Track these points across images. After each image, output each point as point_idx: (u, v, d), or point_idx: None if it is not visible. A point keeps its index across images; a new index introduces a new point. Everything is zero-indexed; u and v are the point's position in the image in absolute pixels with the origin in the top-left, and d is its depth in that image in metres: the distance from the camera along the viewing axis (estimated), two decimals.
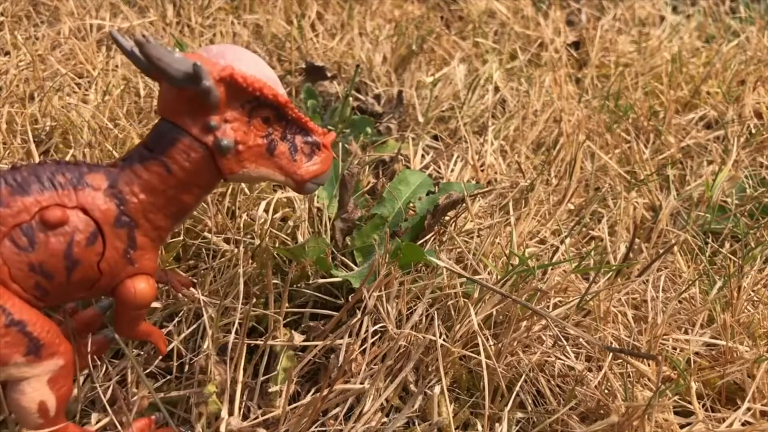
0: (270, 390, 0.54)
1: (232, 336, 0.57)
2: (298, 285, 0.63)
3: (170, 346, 0.58)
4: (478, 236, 0.68)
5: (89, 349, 0.51)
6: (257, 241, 0.65)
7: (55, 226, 0.41)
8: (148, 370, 0.57)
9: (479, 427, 0.54)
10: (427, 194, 0.72)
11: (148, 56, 0.41)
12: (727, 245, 0.75)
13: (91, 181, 0.43)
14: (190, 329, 0.59)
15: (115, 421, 0.51)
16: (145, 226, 0.45)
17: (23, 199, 0.41)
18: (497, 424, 0.54)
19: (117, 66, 0.92)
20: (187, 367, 0.58)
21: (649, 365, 0.58)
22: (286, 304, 0.59)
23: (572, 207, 0.79)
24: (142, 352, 0.58)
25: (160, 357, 0.57)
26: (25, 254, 0.41)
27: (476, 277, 0.60)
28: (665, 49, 1.16)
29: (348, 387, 0.54)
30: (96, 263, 0.43)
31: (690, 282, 0.68)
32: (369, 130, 0.87)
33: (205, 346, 0.56)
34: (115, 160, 0.45)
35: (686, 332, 0.64)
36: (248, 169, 0.46)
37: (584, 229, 0.75)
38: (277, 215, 0.70)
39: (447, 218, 0.71)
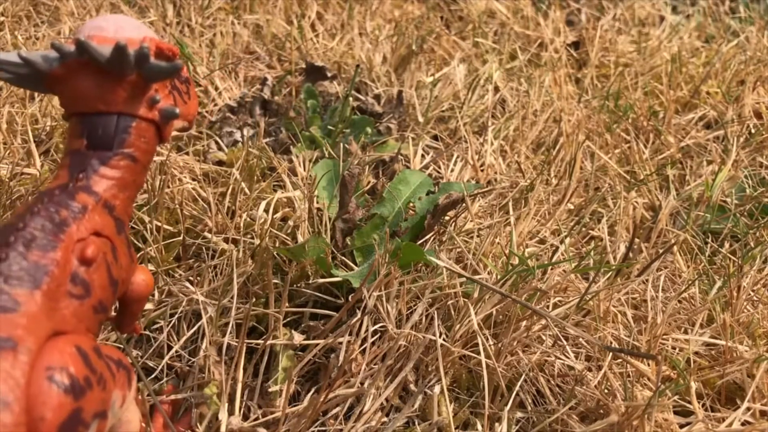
0: (270, 390, 0.54)
1: (232, 336, 0.57)
2: (298, 285, 0.63)
3: (171, 352, 0.58)
4: (477, 236, 0.69)
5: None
6: (257, 241, 0.65)
7: (94, 260, 0.40)
8: (150, 372, 0.57)
9: (479, 427, 0.55)
10: (427, 194, 0.72)
11: (121, 53, 0.41)
12: (727, 245, 0.75)
13: (83, 204, 0.41)
14: (191, 330, 0.59)
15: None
16: (127, 221, 0.45)
17: (57, 253, 0.38)
18: (497, 424, 0.54)
19: None
20: (187, 367, 0.58)
21: (648, 365, 0.58)
22: (286, 304, 0.59)
23: (572, 207, 0.79)
24: (139, 352, 0.58)
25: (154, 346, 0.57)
26: (87, 300, 0.39)
27: (476, 277, 0.60)
28: (665, 49, 1.16)
29: (347, 392, 0.54)
30: (122, 276, 0.43)
31: (690, 282, 0.68)
32: (369, 130, 0.87)
33: (204, 346, 0.56)
34: (67, 177, 0.43)
35: (686, 332, 0.64)
36: (172, 128, 0.47)
37: (584, 229, 0.75)
38: (277, 215, 0.70)
39: (447, 218, 0.71)
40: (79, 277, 0.39)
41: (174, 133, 0.50)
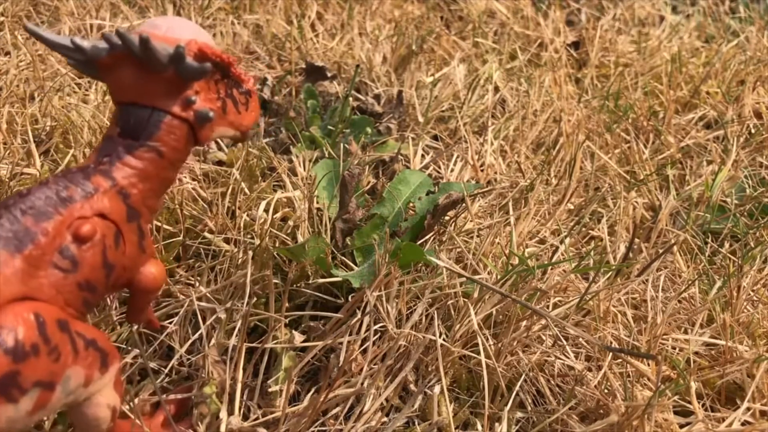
0: (270, 390, 0.54)
1: (233, 336, 0.57)
2: (298, 285, 0.63)
3: (177, 355, 0.58)
4: (477, 236, 0.69)
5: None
6: (257, 241, 0.65)
7: (88, 239, 0.41)
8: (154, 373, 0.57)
9: (479, 427, 0.55)
10: (427, 194, 0.72)
11: (145, 46, 0.42)
12: (727, 245, 0.75)
13: (95, 186, 0.43)
14: (197, 332, 0.59)
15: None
16: (145, 213, 0.46)
17: (50, 224, 0.40)
18: (497, 424, 0.54)
19: None
20: (186, 367, 0.58)
21: (648, 365, 0.58)
22: (286, 304, 0.59)
23: (572, 207, 0.79)
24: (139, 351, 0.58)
25: (159, 344, 0.57)
26: (72, 275, 0.40)
27: (476, 277, 0.60)
28: (665, 49, 1.16)
29: (347, 392, 0.54)
30: (122, 262, 0.44)
31: (689, 282, 0.68)
32: (369, 130, 0.87)
33: (207, 347, 0.56)
34: (93, 159, 0.45)
35: (686, 332, 0.64)
36: (214, 133, 0.48)
37: (584, 229, 0.75)
38: (277, 215, 0.70)
39: (447, 218, 0.71)
40: (68, 251, 0.40)
41: (224, 140, 0.50)
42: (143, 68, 0.44)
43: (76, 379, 0.39)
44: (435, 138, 0.93)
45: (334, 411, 0.54)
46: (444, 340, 0.57)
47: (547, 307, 0.62)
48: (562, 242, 0.68)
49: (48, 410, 0.38)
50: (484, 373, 0.54)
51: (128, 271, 0.45)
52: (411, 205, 0.72)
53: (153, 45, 0.42)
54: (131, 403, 0.52)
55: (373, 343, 0.57)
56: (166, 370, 0.57)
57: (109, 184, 0.43)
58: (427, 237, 0.68)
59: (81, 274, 0.41)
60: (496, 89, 1.01)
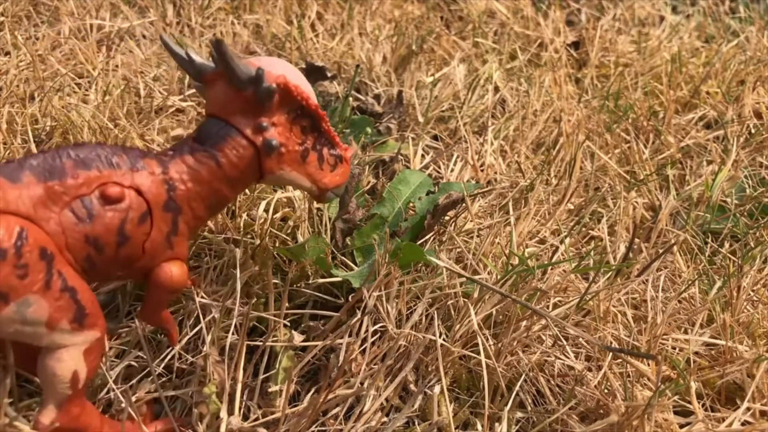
0: (270, 390, 0.54)
1: (233, 336, 0.57)
2: (298, 285, 0.63)
3: (172, 353, 0.58)
4: (477, 236, 0.69)
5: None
6: (257, 241, 0.66)
7: (113, 201, 0.43)
8: (147, 369, 0.57)
9: (479, 427, 0.55)
10: (427, 194, 0.72)
11: (225, 58, 0.45)
12: (727, 245, 0.75)
13: (146, 165, 0.45)
14: (194, 330, 0.59)
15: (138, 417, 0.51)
16: (187, 214, 0.47)
17: (86, 173, 0.43)
18: (497, 424, 0.54)
19: (117, 66, 0.92)
20: (186, 367, 0.58)
21: (648, 365, 0.58)
22: (286, 304, 0.59)
23: (572, 207, 0.79)
24: (141, 354, 0.58)
25: (168, 351, 0.57)
26: (83, 225, 0.42)
27: (476, 277, 0.60)
28: (665, 49, 1.16)
29: (347, 392, 0.54)
30: (142, 242, 0.45)
31: (689, 282, 0.68)
32: (369, 130, 0.87)
33: (206, 347, 0.56)
34: (165, 150, 0.48)
35: (686, 332, 0.64)
36: (283, 172, 0.50)
37: (584, 229, 0.75)
38: (277, 215, 0.70)
39: (447, 218, 0.71)
40: (90, 204, 0.43)
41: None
42: (232, 86, 0.47)
43: (37, 310, 0.40)
44: (435, 138, 0.93)
45: (334, 411, 0.54)
46: (444, 340, 0.57)
47: (547, 307, 0.62)
48: (562, 242, 0.68)
49: None
50: (484, 373, 0.54)
51: (147, 257, 0.46)
52: (411, 205, 0.72)
53: (227, 50, 0.45)
54: (129, 402, 0.52)
55: (373, 343, 0.57)
56: (162, 369, 0.57)
57: (159, 170, 0.46)
58: (427, 237, 0.68)
59: (93, 228, 0.43)
60: (496, 89, 1.01)
